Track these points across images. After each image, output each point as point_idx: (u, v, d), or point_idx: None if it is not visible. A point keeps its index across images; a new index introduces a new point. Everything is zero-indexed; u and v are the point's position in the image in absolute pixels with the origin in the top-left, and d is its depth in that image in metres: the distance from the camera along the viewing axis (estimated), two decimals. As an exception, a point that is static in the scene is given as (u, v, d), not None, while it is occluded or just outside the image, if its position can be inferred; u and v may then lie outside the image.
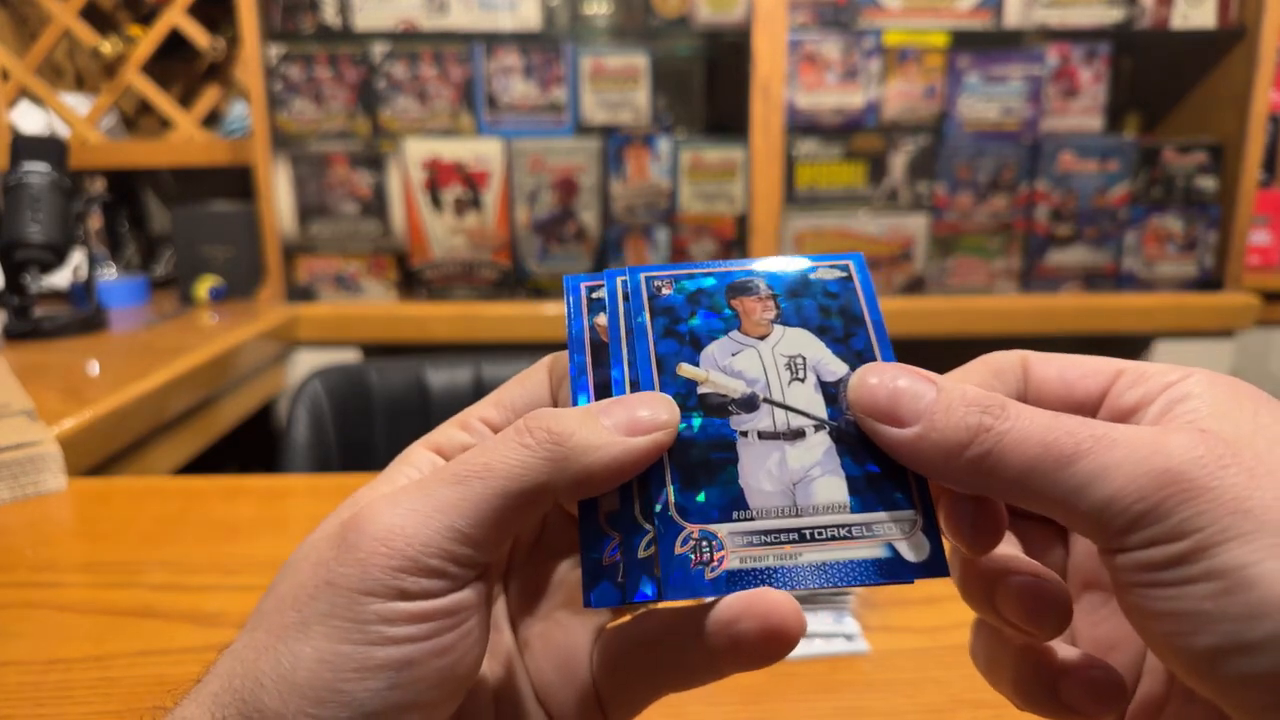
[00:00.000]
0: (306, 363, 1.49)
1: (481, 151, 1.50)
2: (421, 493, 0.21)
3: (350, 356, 1.51)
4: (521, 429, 0.21)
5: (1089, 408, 0.23)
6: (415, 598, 0.20)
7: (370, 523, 0.20)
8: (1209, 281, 1.57)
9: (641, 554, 0.22)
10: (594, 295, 0.26)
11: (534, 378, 0.26)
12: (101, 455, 0.90)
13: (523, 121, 1.51)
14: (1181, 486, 0.19)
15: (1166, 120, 1.69)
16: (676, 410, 0.23)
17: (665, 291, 0.25)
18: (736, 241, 1.54)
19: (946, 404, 0.21)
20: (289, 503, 0.71)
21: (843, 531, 0.22)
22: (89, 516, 0.68)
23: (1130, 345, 1.63)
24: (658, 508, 0.22)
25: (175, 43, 1.61)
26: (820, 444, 0.23)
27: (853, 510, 0.22)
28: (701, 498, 0.22)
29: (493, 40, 1.48)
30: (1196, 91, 1.61)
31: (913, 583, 0.22)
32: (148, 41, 1.59)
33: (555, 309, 1.51)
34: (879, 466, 0.23)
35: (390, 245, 1.54)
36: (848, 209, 1.54)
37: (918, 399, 0.21)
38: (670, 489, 0.22)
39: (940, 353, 1.99)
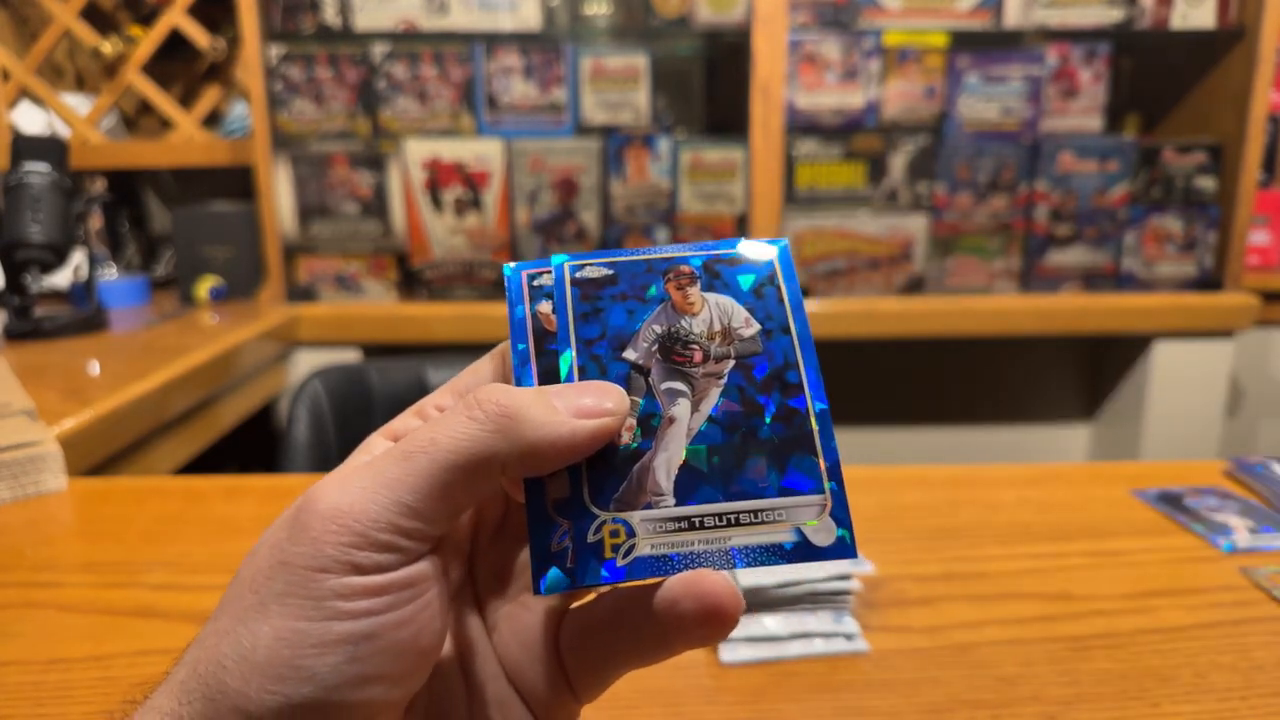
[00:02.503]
0: (307, 363, 1.49)
1: (482, 151, 1.50)
2: (369, 471, 0.21)
3: (351, 356, 1.51)
4: (471, 402, 0.22)
5: None
6: (368, 572, 0.20)
7: (319, 502, 0.21)
8: (1208, 282, 1.57)
9: (590, 539, 0.23)
10: (535, 283, 0.26)
11: (487, 365, 0.26)
12: (102, 455, 0.90)
13: (523, 121, 1.51)
14: None
15: (1166, 120, 1.69)
16: (626, 399, 0.23)
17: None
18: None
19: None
20: (289, 503, 0.70)
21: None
22: (89, 516, 0.68)
23: (1130, 345, 1.63)
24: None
25: (175, 43, 1.61)
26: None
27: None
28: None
29: (493, 40, 1.48)
30: (1196, 92, 1.61)
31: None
32: (148, 42, 1.59)
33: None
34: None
35: (391, 245, 1.55)
36: (847, 209, 1.54)
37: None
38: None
39: (940, 353, 2.00)
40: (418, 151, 1.50)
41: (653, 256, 0.26)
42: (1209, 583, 0.55)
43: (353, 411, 1.11)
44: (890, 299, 1.55)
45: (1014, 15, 1.49)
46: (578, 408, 0.22)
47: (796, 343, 0.25)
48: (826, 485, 0.23)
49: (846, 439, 1.85)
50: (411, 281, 1.55)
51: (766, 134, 1.49)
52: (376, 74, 1.50)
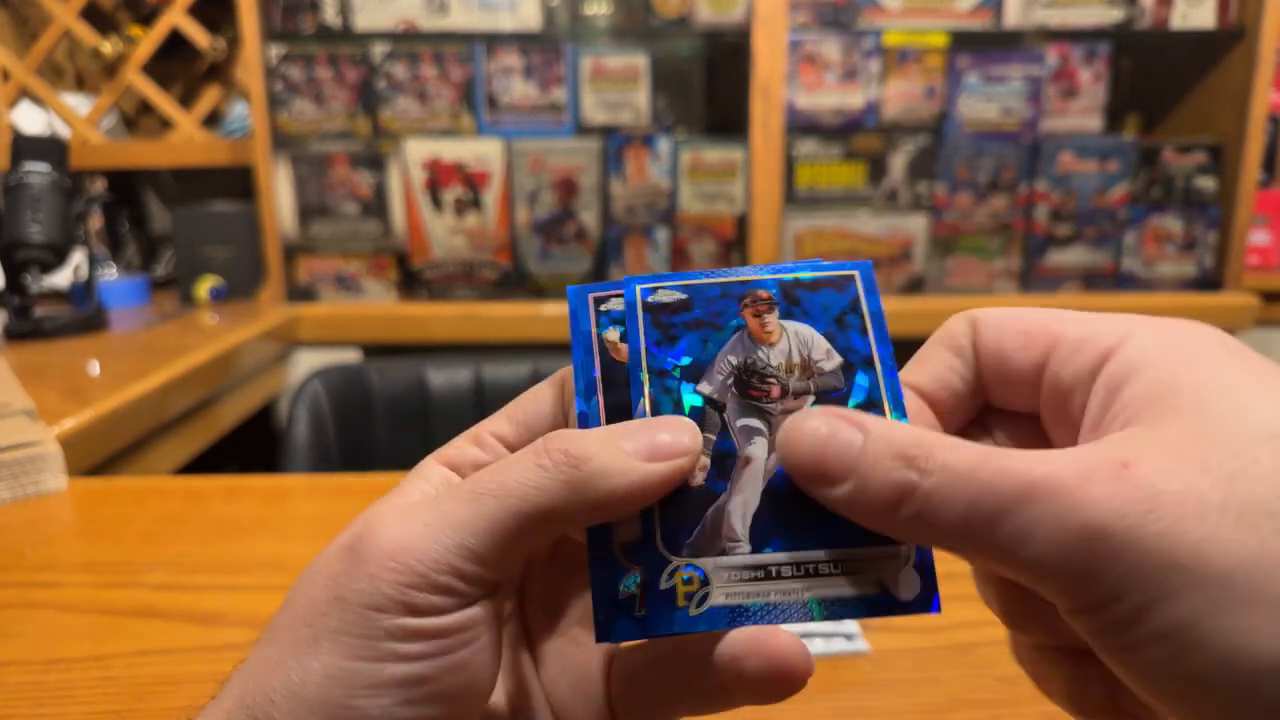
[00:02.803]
0: (307, 363, 1.49)
1: (482, 152, 1.50)
2: (434, 509, 0.21)
3: (350, 356, 1.51)
4: (540, 449, 0.21)
5: (1028, 385, 0.22)
6: (424, 614, 0.20)
7: (380, 537, 0.20)
8: (1208, 282, 1.57)
9: (663, 586, 0.21)
10: (602, 307, 0.25)
11: (546, 392, 0.25)
12: (102, 455, 0.90)
13: (523, 122, 1.51)
14: (1105, 544, 0.17)
15: (1166, 120, 1.69)
16: (699, 436, 0.22)
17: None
18: (736, 242, 1.55)
19: (873, 458, 0.19)
20: (289, 502, 0.71)
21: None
22: (89, 516, 0.68)
23: (1130, 345, 1.63)
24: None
25: (175, 43, 1.61)
26: None
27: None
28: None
29: (493, 40, 1.48)
30: (1196, 92, 1.61)
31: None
32: (148, 42, 1.59)
33: (555, 309, 1.51)
34: None
35: (390, 245, 1.55)
36: (848, 209, 1.54)
37: (846, 450, 0.20)
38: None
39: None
40: (418, 151, 1.50)
41: (729, 280, 0.24)
42: (1209, 583, 0.55)
43: (353, 411, 1.11)
44: (890, 299, 1.55)
45: (1014, 15, 1.49)
46: (650, 449, 0.21)
47: (881, 379, 0.23)
48: None
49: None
50: (411, 281, 1.55)
51: (766, 134, 1.49)
52: (376, 74, 1.50)
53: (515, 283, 1.56)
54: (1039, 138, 1.53)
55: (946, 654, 0.48)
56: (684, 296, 0.24)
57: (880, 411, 0.23)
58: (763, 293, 0.24)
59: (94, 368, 1.08)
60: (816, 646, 0.48)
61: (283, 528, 0.65)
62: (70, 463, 0.73)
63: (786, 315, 0.24)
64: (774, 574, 0.21)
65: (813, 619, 0.21)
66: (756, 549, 0.21)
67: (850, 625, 0.49)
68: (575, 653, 0.25)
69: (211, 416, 1.20)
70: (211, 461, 1.28)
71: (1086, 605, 0.18)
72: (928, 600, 0.21)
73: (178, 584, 0.56)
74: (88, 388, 0.98)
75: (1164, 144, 1.55)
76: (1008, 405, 0.23)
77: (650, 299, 0.24)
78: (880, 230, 1.54)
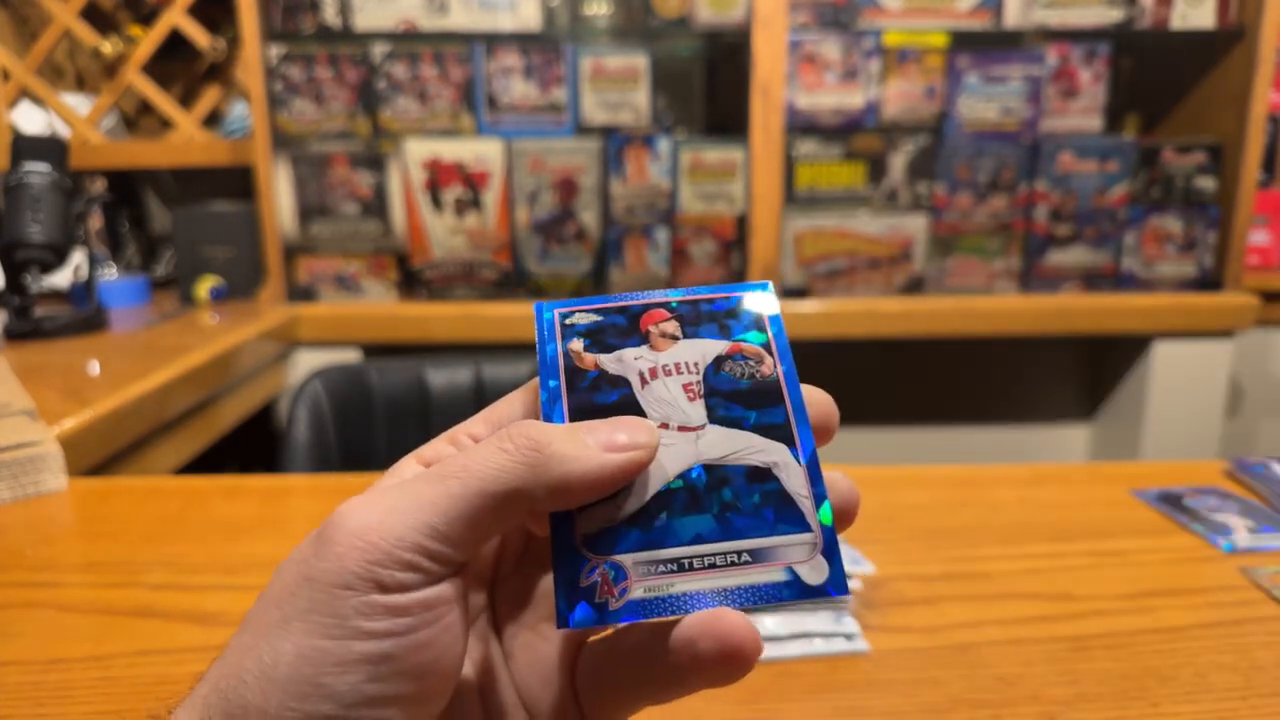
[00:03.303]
0: (307, 363, 1.49)
1: (482, 152, 1.50)
2: (399, 491, 0.22)
3: (350, 356, 1.51)
4: (503, 435, 0.22)
5: None
6: (391, 590, 0.20)
7: (347, 519, 0.21)
8: (1208, 282, 1.57)
9: (583, 583, 0.23)
10: (567, 321, 0.27)
11: (523, 397, 0.27)
12: (102, 455, 0.90)
13: (523, 122, 1.51)
14: None
15: (1166, 120, 1.69)
16: (656, 435, 0.23)
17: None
18: (736, 242, 1.55)
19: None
20: (289, 502, 0.71)
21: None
22: (89, 516, 0.68)
23: (1130, 346, 1.63)
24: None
25: (176, 43, 1.61)
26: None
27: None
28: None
29: (493, 40, 1.48)
30: (1196, 92, 1.61)
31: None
32: (148, 42, 1.59)
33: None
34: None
35: (391, 245, 1.55)
36: (847, 209, 1.54)
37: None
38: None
39: (940, 353, 2.00)
40: (418, 151, 1.50)
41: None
42: (1209, 583, 0.55)
43: (353, 411, 1.11)
44: (890, 299, 1.55)
45: (1014, 15, 1.49)
46: (609, 442, 0.22)
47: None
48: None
49: (847, 439, 1.85)
50: (411, 281, 1.55)
51: (766, 134, 1.49)
52: (376, 74, 1.50)
53: (515, 283, 1.56)
54: (1039, 138, 1.53)
55: (946, 654, 0.48)
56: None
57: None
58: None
59: (94, 368, 1.08)
60: (816, 646, 0.48)
61: (283, 528, 0.65)
62: (70, 463, 0.73)
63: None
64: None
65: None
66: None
67: (850, 625, 0.49)
68: (541, 645, 0.26)
69: (211, 416, 1.20)
70: (211, 462, 1.28)
71: None
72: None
73: (178, 584, 0.56)
74: (88, 388, 0.98)
75: (1164, 144, 1.55)
76: None
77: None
78: (880, 230, 1.54)
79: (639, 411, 0.25)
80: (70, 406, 0.88)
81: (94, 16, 1.64)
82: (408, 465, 0.25)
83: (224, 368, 1.21)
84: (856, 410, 1.83)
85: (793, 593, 0.22)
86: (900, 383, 1.82)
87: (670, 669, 0.23)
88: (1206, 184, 1.55)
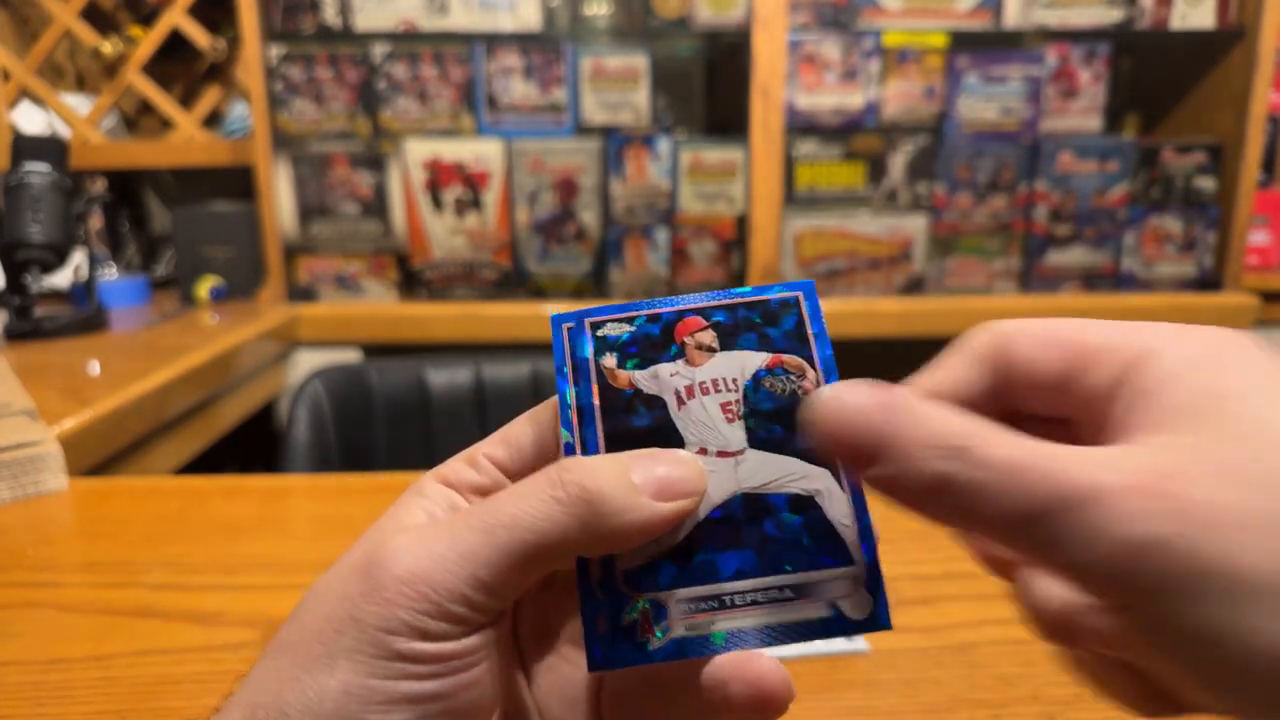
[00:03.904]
0: (307, 363, 1.49)
1: (482, 152, 1.51)
2: (448, 537, 0.21)
3: (351, 356, 1.51)
4: (554, 481, 0.21)
5: (1053, 393, 0.22)
6: (436, 639, 0.21)
7: (395, 564, 0.21)
8: (1208, 282, 1.57)
9: (625, 620, 0.22)
10: (599, 332, 0.25)
11: (541, 416, 0.26)
12: (102, 455, 0.90)
13: (523, 122, 1.51)
14: (1145, 553, 0.17)
15: (1166, 121, 1.69)
16: (705, 477, 0.23)
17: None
18: (736, 242, 1.55)
19: (914, 446, 0.19)
20: (289, 502, 0.71)
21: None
22: (89, 516, 0.68)
23: (1130, 345, 1.63)
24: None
25: (176, 43, 1.61)
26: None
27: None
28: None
29: (493, 41, 1.48)
30: (1196, 92, 1.61)
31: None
32: (148, 42, 1.59)
33: (556, 308, 1.50)
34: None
35: (391, 245, 1.55)
36: (847, 209, 1.54)
37: (882, 434, 0.19)
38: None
39: (939, 353, 2.01)
40: (418, 152, 1.50)
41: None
42: (1209, 583, 0.55)
43: (353, 411, 1.11)
44: (890, 299, 1.55)
45: (1014, 15, 1.49)
46: (658, 487, 0.22)
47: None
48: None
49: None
50: (411, 281, 1.55)
51: (766, 134, 1.49)
52: (376, 74, 1.50)
53: (515, 283, 1.56)
54: (1039, 138, 1.53)
55: (946, 654, 0.48)
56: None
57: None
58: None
59: (94, 368, 1.08)
60: (816, 646, 0.48)
61: (283, 528, 0.65)
62: (70, 463, 0.73)
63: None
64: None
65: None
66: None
67: (850, 625, 0.49)
68: (566, 670, 0.26)
69: (211, 416, 1.20)
70: (211, 461, 1.28)
71: (1122, 606, 0.18)
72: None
73: (178, 584, 0.56)
74: (88, 388, 0.98)
75: (1164, 144, 1.55)
76: (1031, 411, 0.23)
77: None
78: (880, 230, 1.54)
79: (676, 435, 0.23)
80: (70, 406, 0.88)
81: (94, 17, 1.64)
82: (433, 487, 0.25)
83: (224, 368, 1.21)
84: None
85: (837, 629, 0.22)
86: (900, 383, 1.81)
87: (702, 705, 0.23)
88: (1206, 184, 1.55)
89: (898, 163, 1.53)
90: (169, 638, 0.49)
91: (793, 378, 0.24)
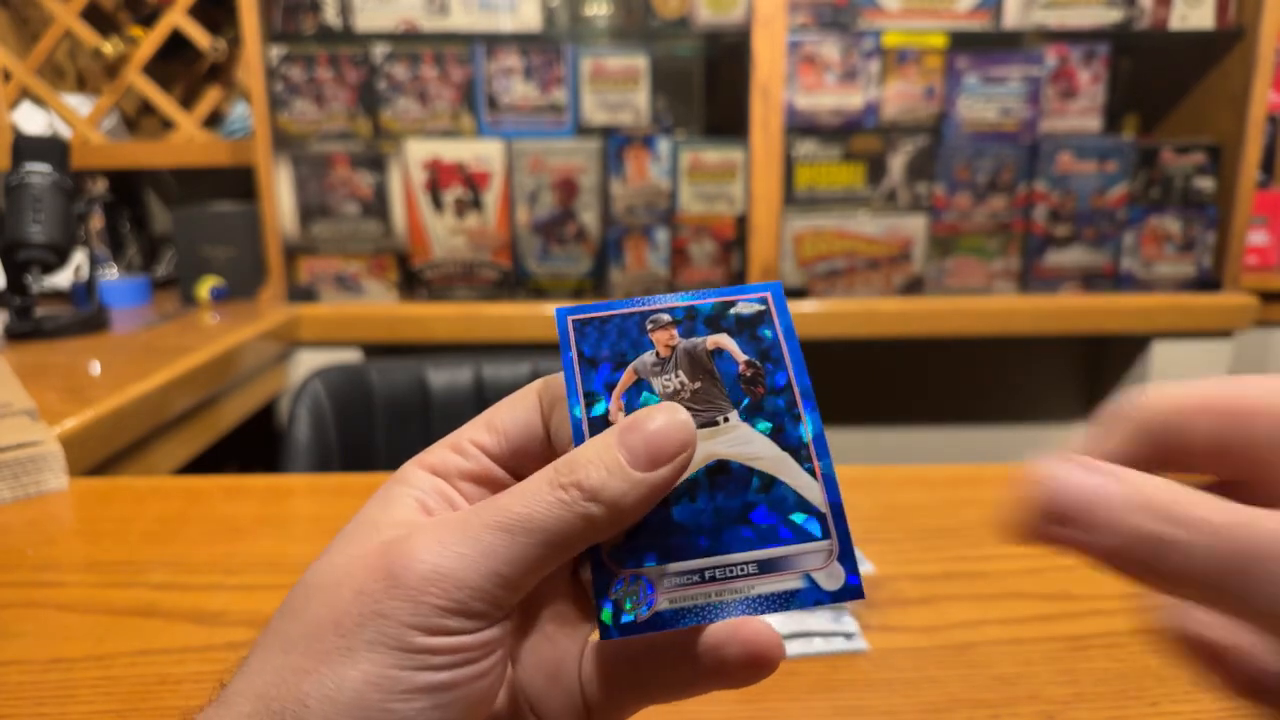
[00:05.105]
0: (307, 363, 1.50)
1: (482, 152, 1.51)
2: (468, 537, 0.22)
3: (351, 356, 1.51)
4: (555, 483, 0.23)
5: (1211, 456, 0.22)
6: (457, 633, 0.22)
7: (419, 561, 0.22)
8: (1207, 282, 1.57)
9: (613, 595, 0.24)
10: (585, 328, 0.27)
11: (524, 402, 0.27)
12: (103, 455, 0.90)
13: (523, 122, 1.52)
14: None
15: (1165, 121, 1.69)
16: (689, 421, 0.23)
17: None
18: (736, 242, 1.55)
19: (1121, 510, 0.20)
20: (290, 502, 0.71)
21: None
22: (90, 516, 0.68)
23: (1129, 345, 1.63)
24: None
25: (176, 44, 1.62)
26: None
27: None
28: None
29: (493, 41, 1.49)
30: (1195, 92, 1.62)
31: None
32: (149, 42, 1.59)
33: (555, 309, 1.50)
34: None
35: (391, 245, 1.55)
36: (847, 209, 1.54)
37: (1100, 501, 0.20)
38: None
39: (940, 353, 2.00)
40: (418, 152, 1.50)
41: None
42: (1207, 582, 0.55)
43: (353, 411, 1.11)
44: (890, 299, 1.55)
45: (1013, 16, 1.49)
46: (647, 455, 0.23)
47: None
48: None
49: (847, 439, 1.85)
50: (412, 281, 1.56)
51: (766, 134, 1.49)
52: (377, 74, 1.50)
53: (515, 283, 1.56)
54: (1038, 138, 1.53)
55: (946, 654, 0.48)
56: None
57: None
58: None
59: (95, 368, 1.08)
60: (816, 646, 0.48)
61: (283, 528, 0.65)
62: (71, 462, 0.73)
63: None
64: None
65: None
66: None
67: (850, 624, 0.50)
68: (548, 649, 0.26)
69: (212, 416, 1.21)
70: (212, 461, 1.28)
71: None
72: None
73: (179, 583, 0.56)
74: (89, 387, 0.98)
75: (1163, 144, 1.55)
76: (1189, 475, 0.24)
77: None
78: (879, 231, 1.54)
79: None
80: (71, 406, 0.88)
81: (95, 17, 1.65)
82: (418, 475, 0.25)
83: (224, 368, 1.21)
84: (856, 410, 1.83)
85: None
86: (900, 383, 1.82)
87: (688, 671, 0.24)
88: (1205, 184, 1.55)
89: (897, 163, 1.53)
90: (170, 637, 0.50)
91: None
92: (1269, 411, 0.21)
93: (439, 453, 0.26)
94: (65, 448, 0.72)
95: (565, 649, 0.26)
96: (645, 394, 0.25)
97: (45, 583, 0.57)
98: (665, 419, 0.23)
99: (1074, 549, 0.21)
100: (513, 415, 0.26)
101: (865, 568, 0.56)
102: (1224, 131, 1.54)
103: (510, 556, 0.22)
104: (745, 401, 0.25)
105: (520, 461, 0.26)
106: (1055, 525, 0.21)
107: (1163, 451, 0.23)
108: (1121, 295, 1.57)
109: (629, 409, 0.25)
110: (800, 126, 1.51)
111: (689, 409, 0.24)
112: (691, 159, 1.52)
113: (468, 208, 1.53)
